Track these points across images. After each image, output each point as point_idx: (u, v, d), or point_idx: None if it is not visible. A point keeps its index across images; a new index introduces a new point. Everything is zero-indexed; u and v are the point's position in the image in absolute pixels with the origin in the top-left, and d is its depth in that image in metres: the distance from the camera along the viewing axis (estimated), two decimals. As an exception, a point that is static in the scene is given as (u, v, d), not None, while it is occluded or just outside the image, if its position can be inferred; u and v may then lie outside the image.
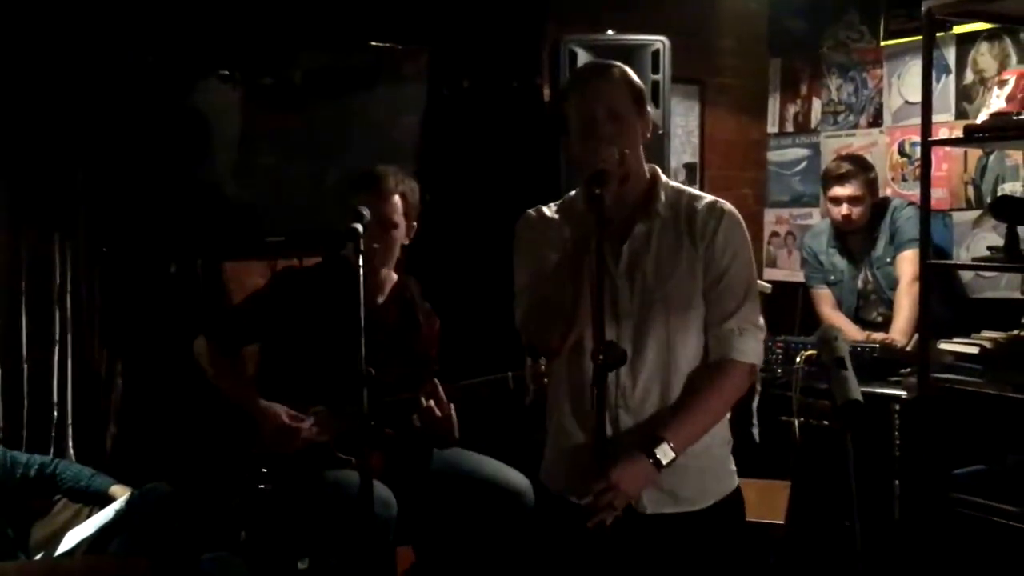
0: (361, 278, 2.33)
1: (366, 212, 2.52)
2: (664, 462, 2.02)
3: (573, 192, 2.25)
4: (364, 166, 3.04)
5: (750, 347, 2.12)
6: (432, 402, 2.85)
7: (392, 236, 2.94)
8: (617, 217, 2.10)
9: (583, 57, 3.74)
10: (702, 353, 2.14)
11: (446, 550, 3.14)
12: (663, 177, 2.20)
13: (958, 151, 3.96)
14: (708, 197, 2.18)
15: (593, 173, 1.99)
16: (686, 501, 2.12)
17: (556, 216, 2.22)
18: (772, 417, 3.41)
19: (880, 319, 3.84)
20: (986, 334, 3.22)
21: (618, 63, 2.21)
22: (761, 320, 2.16)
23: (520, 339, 2.20)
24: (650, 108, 3.68)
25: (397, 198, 2.93)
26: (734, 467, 2.24)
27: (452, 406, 2.89)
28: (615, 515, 2.00)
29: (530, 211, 2.26)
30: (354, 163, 3.84)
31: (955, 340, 3.23)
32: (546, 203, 2.28)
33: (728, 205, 2.17)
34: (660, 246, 2.12)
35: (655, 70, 3.69)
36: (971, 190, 4.00)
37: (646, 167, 2.19)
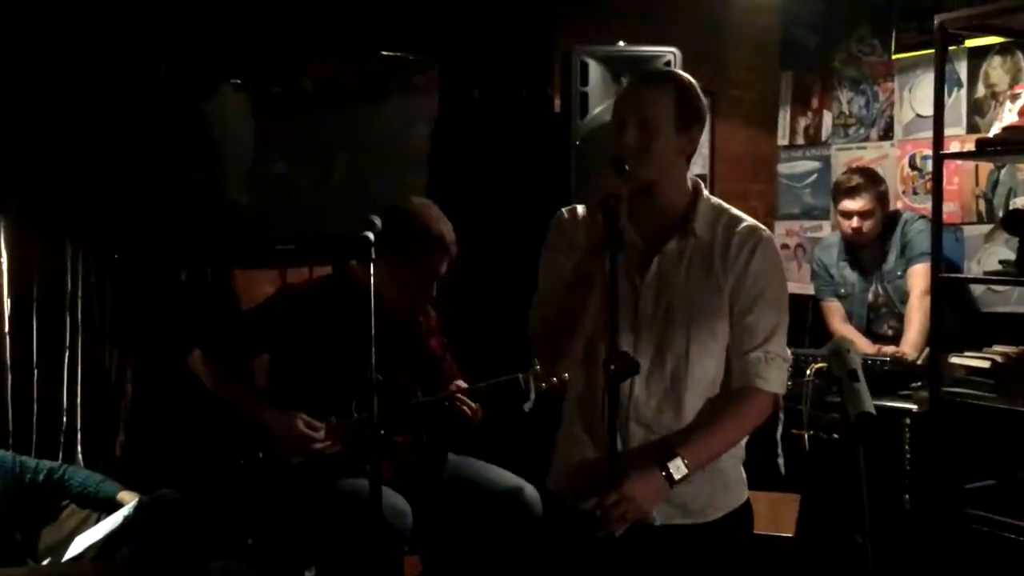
0: (372, 288, 2.34)
1: (377, 220, 2.52)
2: (677, 477, 2.02)
3: None
4: (410, 208, 2.96)
5: (775, 376, 2.11)
6: (466, 407, 2.92)
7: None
8: (651, 228, 2.09)
9: (594, 68, 3.75)
10: (720, 377, 2.13)
11: (453, 560, 3.13)
12: (705, 193, 2.17)
13: (969, 165, 3.95)
14: (748, 221, 2.15)
15: (601, 201, 1.96)
16: (695, 513, 2.12)
17: (585, 215, 2.16)
18: (783, 429, 3.40)
19: (891, 332, 3.83)
20: (997, 348, 3.22)
21: (682, 74, 2.20)
22: (788, 352, 2.15)
23: (530, 344, 2.19)
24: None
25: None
26: (745, 479, 2.23)
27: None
28: (625, 527, 1.99)
29: (563, 211, 2.23)
30: (365, 172, 3.87)
31: (966, 354, 3.22)
32: (554, 212, 2.27)
33: (766, 232, 2.14)
34: (691, 265, 2.10)
35: (666, 81, 3.69)
36: (982, 204, 3.99)
37: (689, 181, 2.16)
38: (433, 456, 3.04)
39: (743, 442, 2.21)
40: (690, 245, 2.11)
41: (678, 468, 2.01)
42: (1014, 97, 3.24)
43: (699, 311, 2.08)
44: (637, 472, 2.00)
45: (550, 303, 2.11)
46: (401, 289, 2.89)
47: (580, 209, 2.20)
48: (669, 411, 2.09)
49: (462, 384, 3.04)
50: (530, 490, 2.95)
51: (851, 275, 3.93)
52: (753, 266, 2.09)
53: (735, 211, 2.18)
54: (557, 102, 4.08)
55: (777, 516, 3.05)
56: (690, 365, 2.08)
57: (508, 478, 3.00)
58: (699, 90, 2.17)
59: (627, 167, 2.01)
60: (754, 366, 2.09)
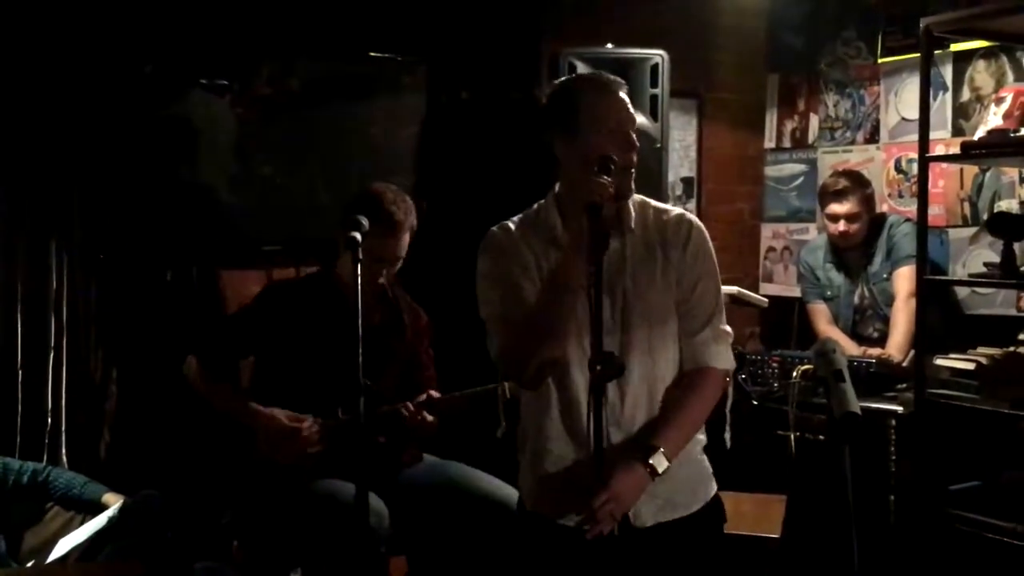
0: (359, 288, 2.33)
1: (364, 221, 2.52)
2: (660, 470, 2.06)
3: (537, 204, 2.24)
4: (369, 188, 2.93)
5: (725, 354, 2.19)
6: (422, 416, 2.89)
7: (396, 267, 2.96)
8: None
9: (582, 70, 3.74)
10: (678, 361, 2.19)
11: (439, 561, 3.13)
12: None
13: (954, 168, 3.97)
14: (674, 209, 2.24)
15: (589, 205, 1.96)
16: (682, 506, 2.17)
17: (520, 232, 2.19)
18: (768, 431, 3.41)
19: (876, 334, 3.84)
20: (982, 350, 3.23)
21: None
22: (729, 327, 2.22)
23: (501, 369, 2.20)
24: (648, 121, 3.73)
25: (407, 235, 2.92)
26: (711, 469, 2.30)
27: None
28: (613, 525, 2.01)
29: (494, 229, 2.23)
30: (352, 174, 3.86)
31: (951, 356, 3.23)
32: None
33: (694, 217, 2.23)
34: (635, 261, 2.15)
35: (654, 84, 3.71)
36: (967, 207, 4.01)
37: None
38: (394, 460, 3.04)
39: (703, 429, 2.25)
40: (628, 242, 2.15)
41: (659, 461, 2.06)
42: (999, 100, 3.26)
43: (653, 305, 2.13)
44: (621, 470, 2.03)
45: (520, 320, 2.09)
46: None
47: (511, 225, 2.21)
48: (644, 410, 2.13)
49: (434, 394, 3.01)
50: (513, 493, 2.93)
51: (837, 277, 3.94)
52: (690, 249, 2.16)
53: (656, 203, 2.25)
54: (545, 104, 4.08)
55: (763, 517, 3.05)
56: (655, 358, 2.14)
57: (491, 481, 2.99)
58: None
59: (612, 167, 2.02)
60: (705, 346, 2.17)
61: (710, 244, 2.22)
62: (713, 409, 2.23)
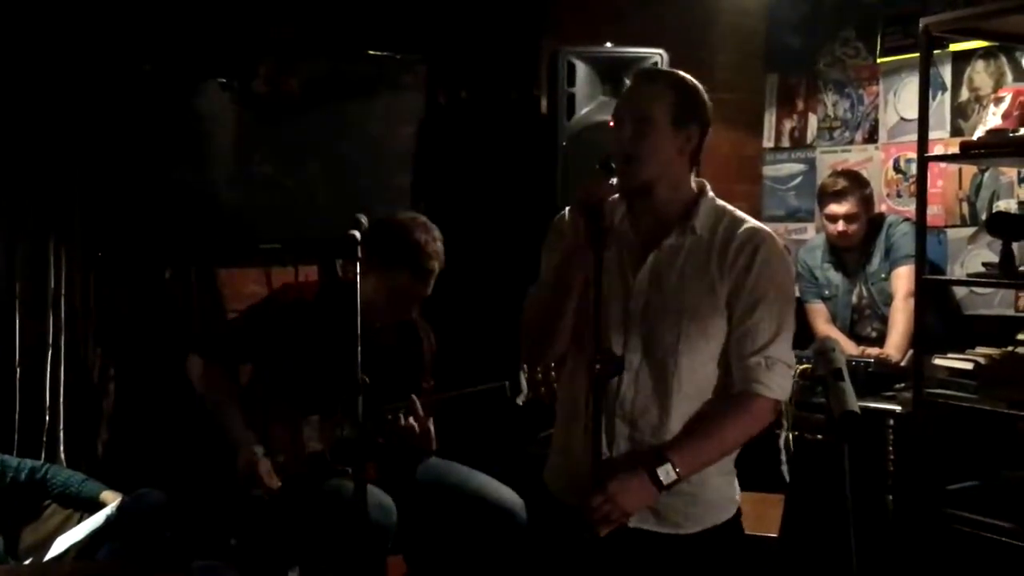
0: (358, 287, 2.33)
1: (363, 219, 2.52)
2: (665, 483, 1.99)
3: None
4: (404, 228, 2.90)
5: (776, 382, 2.05)
6: (411, 419, 2.84)
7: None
8: (649, 226, 2.09)
9: (581, 69, 3.76)
10: (713, 380, 2.08)
11: (437, 562, 3.13)
12: (710, 194, 2.13)
13: (953, 168, 3.97)
14: (750, 223, 2.10)
15: (586, 205, 1.95)
16: (670, 524, 2.08)
17: (570, 221, 2.15)
18: (767, 430, 3.40)
19: (874, 334, 3.84)
20: (980, 350, 3.23)
21: (682, 74, 2.18)
22: (792, 356, 2.09)
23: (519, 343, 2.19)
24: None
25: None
26: (737, 496, 2.19)
27: (430, 419, 2.90)
28: (610, 528, 1.98)
29: (564, 212, 2.19)
30: (351, 172, 3.87)
31: (949, 356, 3.23)
32: (541, 214, 2.27)
33: (768, 234, 2.09)
34: (686, 264, 2.06)
35: (653, 83, 3.71)
36: (965, 207, 4.01)
37: (694, 181, 2.13)
38: (404, 459, 3.03)
39: (732, 457, 2.16)
40: (688, 242, 2.07)
41: (667, 473, 1.98)
42: (997, 100, 3.26)
43: (691, 309, 2.04)
44: (624, 473, 1.99)
45: (536, 302, 2.11)
46: (383, 300, 2.87)
47: None
48: (654, 409, 2.06)
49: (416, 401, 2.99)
50: (513, 497, 2.94)
51: (835, 277, 3.94)
52: (753, 270, 2.04)
53: (739, 213, 2.13)
54: (544, 103, 4.08)
55: (761, 516, 3.05)
56: (678, 363, 2.04)
57: (490, 484, 2.99)
58: (701, 91, 2.13)
59: (614, 165, 2.01)
60: (754, 371, 2.03)
61: (781, 266, 2.09)
62: (763, 439, 2.12)
